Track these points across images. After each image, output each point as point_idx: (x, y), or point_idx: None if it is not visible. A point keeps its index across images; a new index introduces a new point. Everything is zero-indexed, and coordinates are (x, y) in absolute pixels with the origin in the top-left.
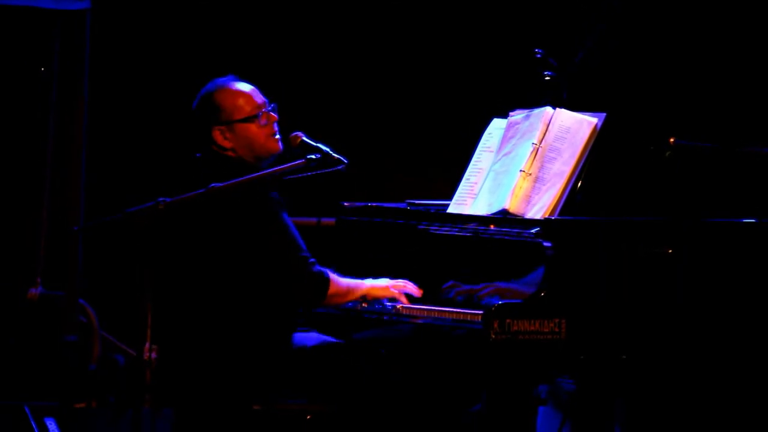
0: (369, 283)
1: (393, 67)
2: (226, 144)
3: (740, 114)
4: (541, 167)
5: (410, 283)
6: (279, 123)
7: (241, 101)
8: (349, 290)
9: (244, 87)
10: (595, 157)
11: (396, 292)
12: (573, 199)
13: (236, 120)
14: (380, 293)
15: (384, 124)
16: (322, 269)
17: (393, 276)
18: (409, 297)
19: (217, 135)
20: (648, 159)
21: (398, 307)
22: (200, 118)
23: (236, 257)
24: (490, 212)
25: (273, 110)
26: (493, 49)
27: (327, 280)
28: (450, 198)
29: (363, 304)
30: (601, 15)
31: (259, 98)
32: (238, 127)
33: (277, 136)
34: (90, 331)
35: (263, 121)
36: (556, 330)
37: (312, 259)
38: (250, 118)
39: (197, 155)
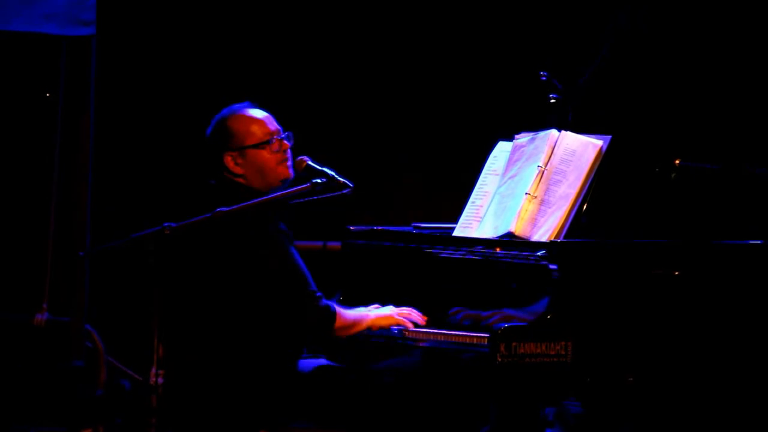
0: (374, 313)
1: (399, 91)
2: (238, 170)
3: (745, 135)
4: (547, 190)
5: (415, 310)
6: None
7: (254, 127)
8: (355, 322)
9: (258, 113)
10: (601, 180)
11: (401, 319)
12: (578, 221)
13: (247, 146)
14: (385, 323)
15: (389, 148)
16: (329, 303)
17: (398, 300)
18: (415, 325)
19: (229, 160)
20: (653, 181)
21: (405, 331)
22: (213, 143)
23: (243, 286)
24: (495, 235)
25: (287, 138)
26: (498, 72)
27: (333, 315)
28: (456, 221)
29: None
30: (606, 37)
31: (273, 125)
32: (250, 152)
33: (289, 163)
34: (96, 357)
35: (275, 147)
36: (563, 353)
37: (318, 294)
38: (262, 144)
39: (211, 182)
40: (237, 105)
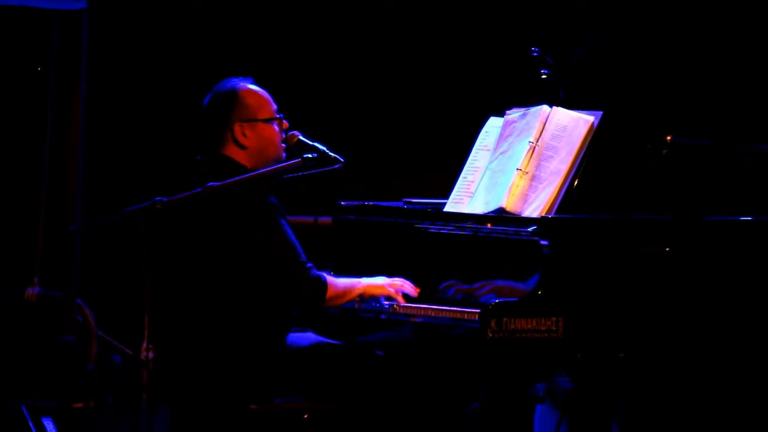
0: (366, 281)
1: (389, 66)
2: (244, 141)
3: (737, 112)
4: (538, 165)
5: (407, 282)
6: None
7: (265, 103)
8: (346, 291)
9: (264, 92)
10: (592, 156)
11: (392, 291)
12: (570, 197)
13: (260, 119)
14: (377, 291)
15: (380, 123)
16: (320, 273)
17: (390, 275)
18: (406, 296)
19: (237, 130)
20: (645, 157)
21: (395, 306)
22: (220, 112)
23: (234, 259)
24: (487, 211)
25: (283, 119)
26: (489, 47)
27: (325, 285)
28: (447, 197)
29: (358, 303)
30: (598, 13)
31: (275, 105)
32: (260, 126)
33: (284, 145)
34: (87, 331)
35: (277, 126)
36: (554, 328)
37: (309, 264)
38: (272, 119)
39: (197, 157)
40: (242, 78)
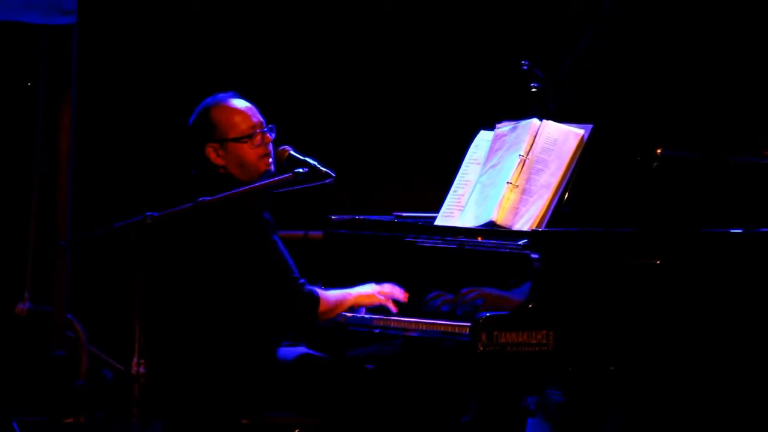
0: (356, 292)
1: (380, 81)
2: (219, 161)
3: (727, 124)
4: (528, 179)
5: (396, 287)
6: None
7: (237, 119)
8: (338, 304)
9: (241, 104)
10: (582, 169)
11: (382, 298)
12: (560, 210)
13: (229, 139)
14: (367, 301)
15: (371, 137)
16: (312, 288)
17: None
18: (397, 306)
19: (210, 152)
20: (635, 170)
21: (386, 319)
22: (195, 133)
23: (226, 275)
24: (477, 224)
25: (269, 131)
26: (479, 61)
27: (317, 299)
28: (437, 210)
29: (347, 314)
30: (587, 26)
31: (256, 117)
32: (231, 145)
33: (270, 159)
34: (78, 346)
35: (257, 141)
36: (544, 342)
37: (302, 280)
38: (244, 138)
39: (192, 171)
40: (222, 94)
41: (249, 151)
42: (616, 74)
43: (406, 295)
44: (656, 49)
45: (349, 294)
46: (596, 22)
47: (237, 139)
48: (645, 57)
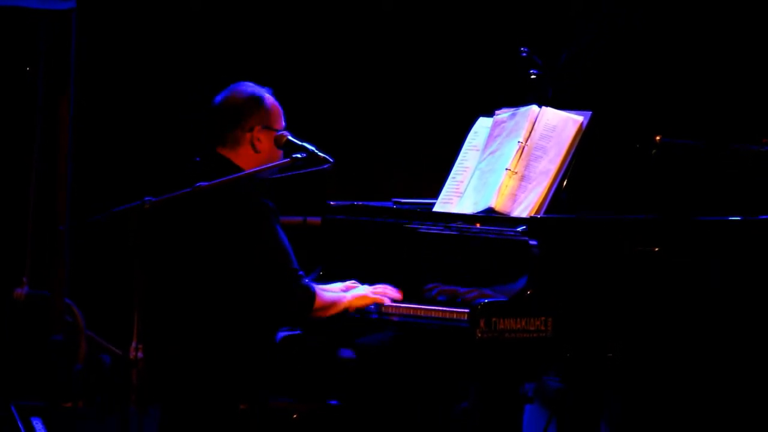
0: (350, 296)
1: (379, 66)
2: (259, 146)
3: (726, 112)
4: (527, 165)
5: (390, 287)
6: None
7: (280, 116)
8: (332, 304)
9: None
10: (581, 156)
11: (377, 297)
12: (558, 197)
13: (276, 129)
14: (361, 303)
15: (370, 123)
16: (309, 283)
17: (377, 276)
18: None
19: (257, 133)
20: (634, 157)
21: (383, 306)
22: (240, 112)
23: (225, 260)
24: (476, 211)
25: None
26: (479, 47)
27: (313, 295)
28: (436, 197)
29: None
30: (586, 13)
31: None
32: (273, 135)
33: None
34: (76, 331)
35: (282, 142)
36: (542, 328)
37: (300, 272)
38: (280, 133)
39: (196, 159)
40: (263, 87)
41: (276, 148)
42: (616, 62)
43: (401, 294)
44: (655, 38)
45: (344, 297)
46: (596, 13)
47: (278, 132)
48: (644, 45)
